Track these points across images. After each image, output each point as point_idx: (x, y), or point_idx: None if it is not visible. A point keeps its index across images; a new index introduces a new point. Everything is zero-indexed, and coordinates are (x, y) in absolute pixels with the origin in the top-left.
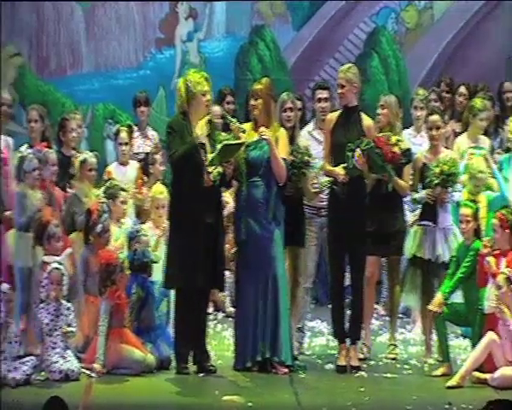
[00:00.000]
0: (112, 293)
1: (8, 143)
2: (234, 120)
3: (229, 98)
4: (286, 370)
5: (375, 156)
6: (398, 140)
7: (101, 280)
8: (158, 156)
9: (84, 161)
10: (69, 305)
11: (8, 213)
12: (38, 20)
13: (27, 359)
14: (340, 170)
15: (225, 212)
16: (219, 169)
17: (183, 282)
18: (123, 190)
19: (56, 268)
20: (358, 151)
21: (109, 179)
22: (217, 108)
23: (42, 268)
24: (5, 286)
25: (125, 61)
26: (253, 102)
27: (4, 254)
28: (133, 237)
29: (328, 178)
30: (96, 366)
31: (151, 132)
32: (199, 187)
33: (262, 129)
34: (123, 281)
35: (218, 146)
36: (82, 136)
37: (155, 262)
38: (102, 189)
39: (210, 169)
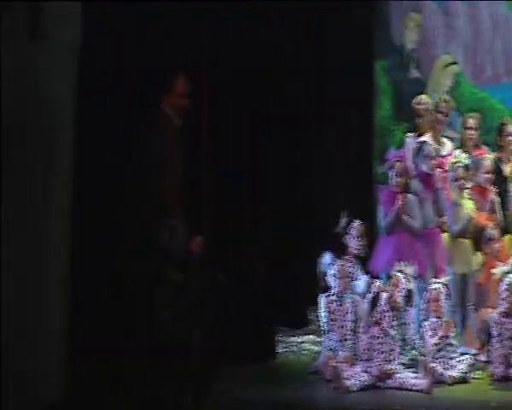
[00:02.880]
0: None
1: (449, 148)
2: None
3: None
4: None
5: None
6: None
7: None
8: None
9: None
10: None
11: (442, 218)
12: (472, 30)
13: (464, 357)
14: None
15: None
16: None
17: None
18: None
19: None
20: None
21: None
22: None
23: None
24: (437, 285)
25: None
26: None
27: (439, 256)
28: None
29: None
30: None
31: None
32: None
33: None
34: None
35: None
36: None
37: None
38: None
39: None
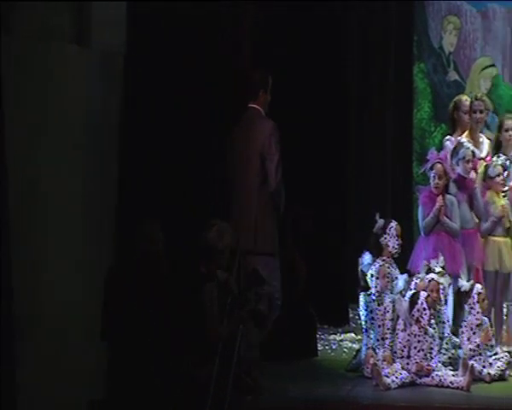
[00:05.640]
0: None
1: (487, 149)
2: None
3: None
4: None
5: None
6: None
7: None
8: None
9: None
10: None
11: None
12: (510, 32)
13: (502, 355)
14: None
15: None
16: None
17: None
18: None
19: None
20: None
21: None
22: None
23: None
24: (479, 286)
25: None
26: None
27: (476, 257)
28: None
29: None
30: None
31: None
32: None
33: None
34: None
35: None
36: None
37: None
38: None
39: None
